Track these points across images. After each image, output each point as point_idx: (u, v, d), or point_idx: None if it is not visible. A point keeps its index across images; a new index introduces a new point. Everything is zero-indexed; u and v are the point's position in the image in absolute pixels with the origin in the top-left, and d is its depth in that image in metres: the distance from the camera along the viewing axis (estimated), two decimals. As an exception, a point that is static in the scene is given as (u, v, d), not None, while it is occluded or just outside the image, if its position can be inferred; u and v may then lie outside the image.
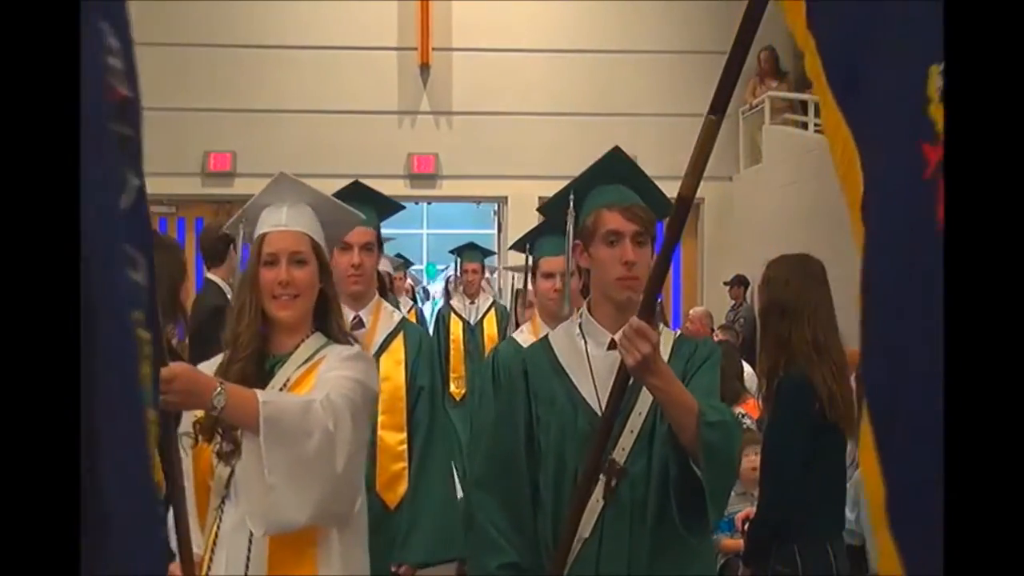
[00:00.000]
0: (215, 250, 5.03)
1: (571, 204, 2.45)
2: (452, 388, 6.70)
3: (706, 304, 10.66)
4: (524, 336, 3.50)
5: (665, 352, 2.29)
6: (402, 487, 3.12)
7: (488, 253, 7.78)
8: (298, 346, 2.27)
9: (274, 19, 11.28)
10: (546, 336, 2.51)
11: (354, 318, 3.16)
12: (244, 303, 2.28)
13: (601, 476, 2.22)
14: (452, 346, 7.01)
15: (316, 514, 2.06)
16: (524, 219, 10.72)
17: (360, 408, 2.14)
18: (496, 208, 12.30)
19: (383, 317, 3.28)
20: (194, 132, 11.09)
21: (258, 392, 2.02)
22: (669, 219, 2.00)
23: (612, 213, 2.35)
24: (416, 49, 11.40)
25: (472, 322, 7.09)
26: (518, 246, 3.89)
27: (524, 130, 11.38)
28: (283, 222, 2.30)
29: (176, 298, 3.56)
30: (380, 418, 3.07)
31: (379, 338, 3.21)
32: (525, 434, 2.35)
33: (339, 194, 3.02)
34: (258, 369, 2.24)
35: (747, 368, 5.77)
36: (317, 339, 2.29)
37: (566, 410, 2.32)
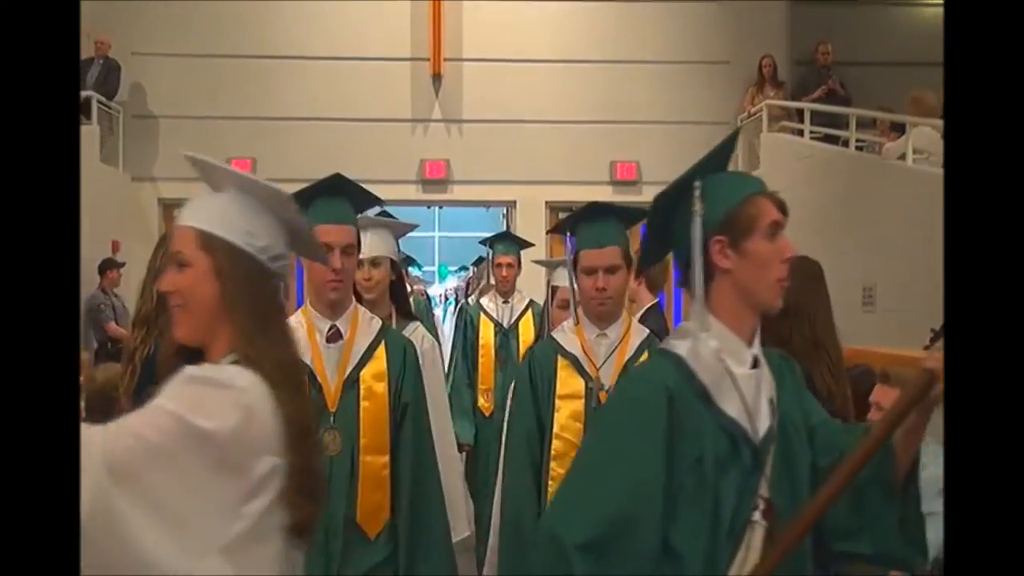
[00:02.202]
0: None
1: (699, 192, 1.89)
2: (481, 402, 5.80)
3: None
4: (566, 336, 3.16)
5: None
6: (384, 515, 2.78)
7: (526, 244, 6.28)
8: None
9: (293, 32, 11.62)
10: (677, 356, 1.93)
11: (330, 328, 2.83)
12: None
13: (758, 516, 1.85)
14: (482, 352, 5.92)
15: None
16: (532, 223, 11.06)
17: (153, 449, 1.44)
18: (505, 212, 12.47)
19: (362, 325, 2.87)
20: (216, 139, 11.23)
21: None
22: None
23: (765, 200, 1.91)
24: (428, 60, 11.67)
25: (506, 325, 5.96)
26: (559, 230, 3.34)
27: (532, 137, 11.60)
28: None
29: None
30: (361, 440, 2.76)
31: (359, 349, 2.83)
32: (663, 483, 1.82)
33: (307, 191, 2.80)
34: None
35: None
36: (230, 359, 1.70)
37: (721, 443, 1.86)
